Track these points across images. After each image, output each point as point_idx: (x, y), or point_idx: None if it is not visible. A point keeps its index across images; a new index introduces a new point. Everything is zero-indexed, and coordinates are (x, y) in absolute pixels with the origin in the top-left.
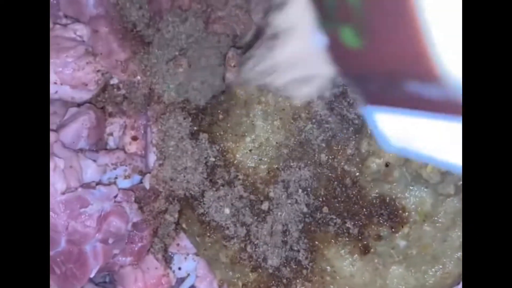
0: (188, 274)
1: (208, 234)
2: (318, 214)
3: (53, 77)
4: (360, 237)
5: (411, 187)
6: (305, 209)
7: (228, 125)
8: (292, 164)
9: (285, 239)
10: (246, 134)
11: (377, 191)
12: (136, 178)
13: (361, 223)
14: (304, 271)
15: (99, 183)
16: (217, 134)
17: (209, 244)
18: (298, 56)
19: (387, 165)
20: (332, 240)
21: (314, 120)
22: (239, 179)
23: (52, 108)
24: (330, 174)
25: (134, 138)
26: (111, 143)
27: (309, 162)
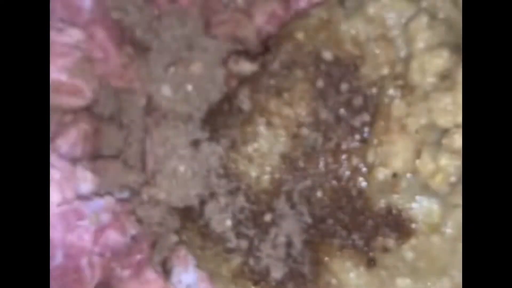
0: (189, 287)
1: (209, 247)
2: (323, 225)
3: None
4: (366, 249)
5: (418, 198)
6: (309, 221)
7: (230, 133)
8: (296, 173)
9: (289, 251)
10: (248, 142)
11: (383, 201)
12: (134, 189)
13: (367, 235)
14: (309, 284)
15: (96, 194)
16: (219, 142)
17: (210, 256)
18: None
19: (394, 175)
20: (337, 252)
21: (319, 129)
22: (241, 190)
23: None
24: (335, 184)
25: None
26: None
27: (313, 172)
